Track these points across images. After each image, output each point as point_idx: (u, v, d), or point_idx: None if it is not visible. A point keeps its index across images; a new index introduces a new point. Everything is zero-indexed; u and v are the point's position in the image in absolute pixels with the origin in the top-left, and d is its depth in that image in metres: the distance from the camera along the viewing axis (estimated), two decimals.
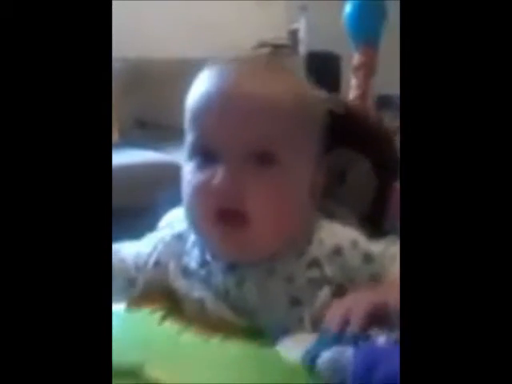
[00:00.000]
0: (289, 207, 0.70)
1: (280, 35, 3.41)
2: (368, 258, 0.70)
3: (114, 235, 0.66)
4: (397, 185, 0.79)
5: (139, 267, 0.74)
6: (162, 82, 2.91)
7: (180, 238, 0.75)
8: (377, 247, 0.72)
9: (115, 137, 2.55)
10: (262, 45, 3.31)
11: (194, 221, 0.71)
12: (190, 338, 0.63)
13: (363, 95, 1.98)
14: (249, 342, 0.63)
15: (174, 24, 3.17)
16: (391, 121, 2.95)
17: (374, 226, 0.77)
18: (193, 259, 0.72)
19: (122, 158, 2.30)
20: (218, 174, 0.67)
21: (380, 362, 0.56)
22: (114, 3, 0.60)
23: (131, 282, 0.73)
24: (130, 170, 2.35)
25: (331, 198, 0.77)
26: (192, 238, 0.74)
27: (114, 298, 0.58)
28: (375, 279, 0.70)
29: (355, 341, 0.59)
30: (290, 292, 0.69)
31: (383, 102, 3.14)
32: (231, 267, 0.70)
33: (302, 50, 3.40)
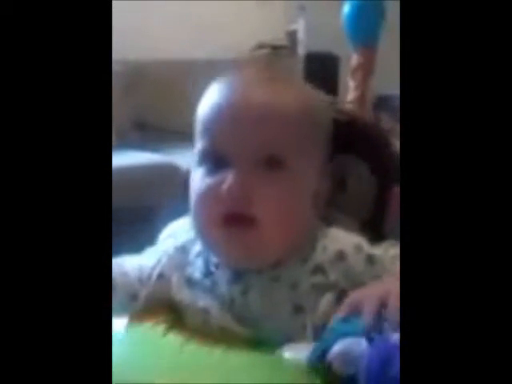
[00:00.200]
0: (296, 211, 0.71)
1: (278, 36, 3.41)
2: (371, 260, 0.71)
3: (113, 236, 0.66)
4: (396, 190, 0.80)
5: (142, 281, 0.75)
6: (161, 84, 2.91)
7: (183, 249, 0.75)
8: (378, 250, 0.72)
9: (113, 138, 2.54)
10: (261, 46, 3.31)
11: (202, 225, 0.72)
12: (193, 349, 0.63)
13: (361, 96, 1.98)
14: (252, 351, 0.63)
15: (173, 26, 3.17)
16: (389, 121, 2.96)
17: (374, 232, 0.77)
18: (197, 270, 0.73)
19: (120, 159, 2.30)
20: (228, 178, 0.68)
21: (395, 359, 0.55)
22: (113, 4, 0.60)
23: (134, 297, 0.74)
24: (129, 171, 2.35)
25: (332, 204, 0.78)
26: (195, 248, 0.74)
27: (116, 312, 0.59)
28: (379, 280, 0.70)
29: (367, 334, 0.59)
30: (294, 299, 0.69)
31: (382, 102, 3.15)
32: (236, 276, 0.71)
33: (301, 50, 3.40)
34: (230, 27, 3.26)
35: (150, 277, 0.74)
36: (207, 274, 0.72)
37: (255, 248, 0.69)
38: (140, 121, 2.92)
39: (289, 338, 0.65)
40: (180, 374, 0.61)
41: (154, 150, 2.61)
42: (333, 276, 0.70)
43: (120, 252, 0.76)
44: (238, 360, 0.62)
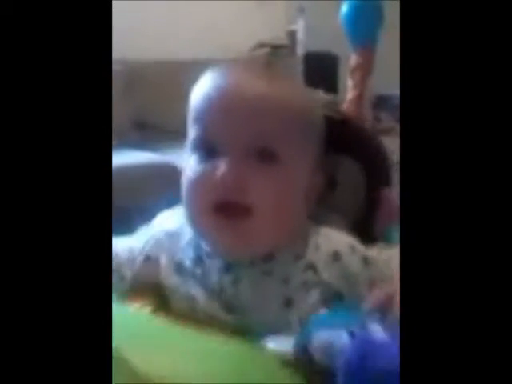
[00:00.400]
0: (288, 204, 0.71)
1: (278, 36, 3.41)
2: (366, 261, 0.71)
3: (113, 236, 0.66)
4: (386, 191, 0.80)
5: (130, 262, 0.75)
6: (161, 84, 2.92)
7: (174, 235, 0.75)
8: (371, 252, 0.73)
9: (112, 138, 2.54)
10: (261, 45, 3.31)
11: (194, 213, 0.71)
12: (176, 330, 0.63)
13: (359, 95, 1.98)
14: (236, 339, 0.63)
15: (173, 26, 3.17)
16: (389, 121, 2.96)
17: (363, 232, 0.78)
18: (187, 257, 0.73)
19: (119, 159, 2.30)
20: (221, 166, 0.67)
21: (376, 352, 0.55)
22: (112, 5, 0.60)
23: (122, 278, 0.74)
24: (128, 170, 2.35)
25: (322, 203, 0.78)
26: (187, 236, 0.74)
27: None
28: (374, 283, 0.71)
29: (348, 325, 0.59)
30: (285, 293, 0.69)
31: (381, 102, 3.15)
32: (227, 266, 0.71)
33: (300, 50, 3.40)
34: (230, 27, 3.26)
35: (136, 258, 0.74)
36: (198, 262, 0.72)
37: (248, 237, 0.69)
38: (140, 120, 2.92)
39: (275, 331, 0.65)
40: (152, 346, 0.61)
41: (154, 149, 2.61)
42: (325, 275, 0.70)
43: None
44: (219, 346, 0.61)
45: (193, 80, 0.75)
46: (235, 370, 0.58)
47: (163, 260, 0.73)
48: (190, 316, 0.68)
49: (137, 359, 0.58)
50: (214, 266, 0.71)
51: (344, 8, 2.06)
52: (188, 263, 0.72)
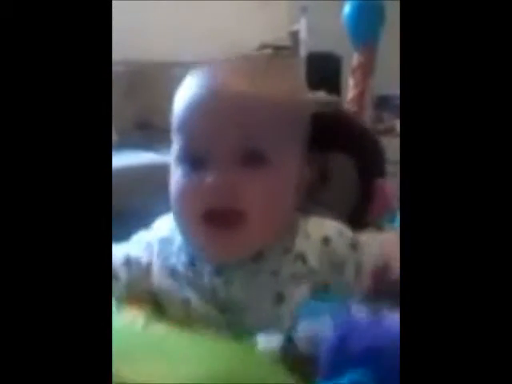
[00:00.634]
0: (280, 205, 0.71)
1: (281, 37, 3.40)
2: (354, 245, 0.71)
3: (113, 236, 0.66)
4: (379, 182, 0.80)
5: (125, 266, 0.75)
6: (163, 85, 2.91)
7: (165, 241, 0.75)
8: (361, 237, 0.73)
9: (115, 138, 2.55)
10: (264, 46, 3.30)
11: (185, 224, 0.71)
12: (171, 339, 0.64)
13: (361, 95, 1.98)
14: (228, 338, 0.64)
15: (175, 27, 3.16)
16: (391, 121, 2.95)
17: (357, 224, 0.78)
18: (179, 262, 0.73)
19: (122, 159, 2.30)
20: (209, 175, 0.67)
21: (355, 333, 0.55)
22: (114, 5, 0.61)
23: (115, 276, 0.74)
24: (131, 171, 2.34)
25: (315, 199, 0.78)
26: (178, 241, 0.74)
27: None
28: (361, 267, 0.71)
29: (333, 313, 0.59)
30: (275, 287, 0.69)
31: (383, 102, 3.14)
32: (218, 269, 0.71)
33: (303, 51, 3.39)
34: (233, 28, 3.25)
35: (130, 263, 0.74)
36: (190, 266, 0.72)
37: (241, 243, 0.69)
38: (142, 121, 2.91)
39: (268, 328, 0.65)
40: (143, 354, 0.62)
41: (156, 150, 2.61)
42: (313, 262, 0.70)
43: None
44: (212, 350, 0.62)
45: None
46: (228, 373, 0.58)
47: (156, 266, 0.74)
48: (185, 320, 0.68)
49: (128, 369, 0.58)
50: (205, 269, 0.71)
51: (346, 8, 2.06)
52: (180, 267, 0.72)
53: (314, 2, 3.26)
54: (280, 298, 0.69)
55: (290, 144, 0.71)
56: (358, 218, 0.81)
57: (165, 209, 0.80)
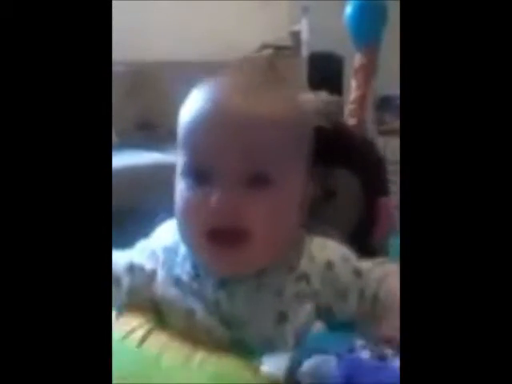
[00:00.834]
0: (284, 224, 0.70)
1: (282, 37, 3.41)
2: (358, 272, 0.71)
3: (114, 237, 0.66)
4: (384, 200, 0.80)
5: (127, 272, 0.74)
6: (164, 85, 2.92)
7: (169, 250, 0.75)
8: (365, 264, 0.73)
9: (116, 139, 2.55)
10: (265, 46, 3.31)
11: (188, 239, 0.71)
12: (169, 359, 0.63)
13: (363, 96, 1.98)
14: (232, 357, 0.63)
15: (176, 27, 3.17)
16: (391, 121, 2.95)
17: (362, 243, 0.78)
18: (184, 272, 0.73)
19: (123, 159, 2.30)
20: (213, 194, 0.67)
21: (362, 374, 0.55)
22: (114, 6, 0.60)
23: (117, 281, 0.73)
24: (132, 171, 2.35)
25: (319, 215, 0.78)
26: (182, 251, 0.74)
27: None
28: (363, 294, 0.71)
29: (337, 348, 0.59)
30: (278, 306, 0.69)
31: (385, 103, 3.14)
32: (222, 281, 0.71)
33: (305, 51, 3.39)
34: (234, 28, 3.26)
35: (133, 269, 0.74)
36: (194, 277, 0.72)
37: (245, 262, 0.69)
38: (143, 121, 2.92)
39: (271, 346, 0.66)
40: (154, 377, 0.61)
41: (158, 149, 2.61)
42: (317, 285, 0.70)
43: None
44: (211, 374, 0.62)
45: (196, 81, 0.74)
46: None
47: (160, 274, 0.73)
48: (188, 332, 0.68)
49: None
50: (209, 280, 0.71)
51: (348, 8, 2.06)
52: (185, 277, 0.72)
53: (315, 2, 3.26)
54: (283, 317, 0.69)
55: (294, 161, 0.71)
56: (362, 234, 0.80)
57: (165, 208, 0.80)
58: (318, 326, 0.69)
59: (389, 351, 0.56)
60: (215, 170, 0.68)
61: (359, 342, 0.60)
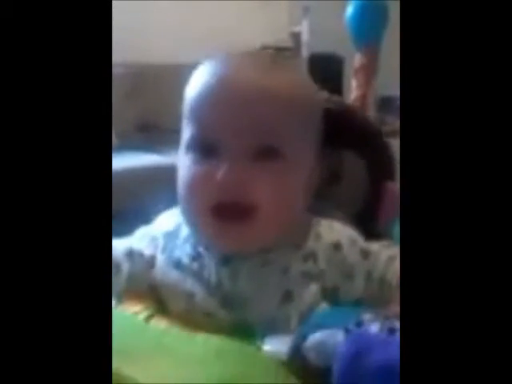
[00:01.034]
0: (291, 199, 0.70)
1: (282, 37, 3.41)
2: (365, 254, 0.71)
3: (114, 238, 0.66)
4: (389, 185, 0.80)
5: (126, 257, 0.73)
6: (164, 86, 2.92)
7: (170, 235, 0.74)
8: (372, 246, 0.72)
9: (116, 140, 2.55)
10: (265, 47, 3.31)
11: (193, 215, 0.70)
12: (173, 335, 0.63)
13: (364, 96, 1.98)
14: (233, 339, 0.62)
15: (176, 28, 3.17)
16: (393, 122, 2.95)
17: (367, 226, 0.77)
18: (185, 254, 0.72)
19: (123, 161, 2.31)
20: (221, 167, 0.66)
21: (371, 349, 0.54)
22: (114, 7, 0.60)
23: (117, 267, 0.72)
24: (132, 173, 2.35)
25: (325, 198, 0.77)
26: (184, 233, 0.73)
27: None
28: (371, 276, 0.70)
29: (344, 323, 0.58)
30: (284, 284, 0.68)
31: (385, 103, 3.14)
32: (225, 259, 0.70)
33: (305, 52, 3.40)
34: (234, 29, 3.26)
35: (135, 255, 0.73)
36: (195, 257, 0.71)
37: (251, 236, 0.68)
38: (143, 123, 2.92)
39: (274, 326, 0.65)
40: (154, 358, 0.60)
41: (158, 151, 2.62)
42: (323, 265, 0.69)
43: None
44: (213, 349, 0.61)
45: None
46: (232, 375, 0.57)
47: (160, 259, 0.73)
48: (188, 316, 0.67)
49: (132, 369, 0.57)
50: (211, 259, 0.70)
51: (349, 9, 2.06)
52: (185, 259, 0.71)
53: (315, 3, 3.27)
54: (288, 296, 0.68)
55: (304, 139, 0.70)
56: (367, 218, 0.80)
57: (165, 209, 0.80)
58: (324, 308, 0.68)
59: (398, 324, 0.55)
60: (222, 144, 0.67)
61: (367, 316, 0.58)
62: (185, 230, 0.73)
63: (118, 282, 0.71)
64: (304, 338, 0.58)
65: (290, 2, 3.46)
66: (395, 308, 0.61)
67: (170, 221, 0.76)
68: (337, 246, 0.71)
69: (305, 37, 3.39)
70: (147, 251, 0.74)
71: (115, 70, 0.65)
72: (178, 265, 0.72)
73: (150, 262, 0.73)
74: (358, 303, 0.70)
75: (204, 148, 0.68)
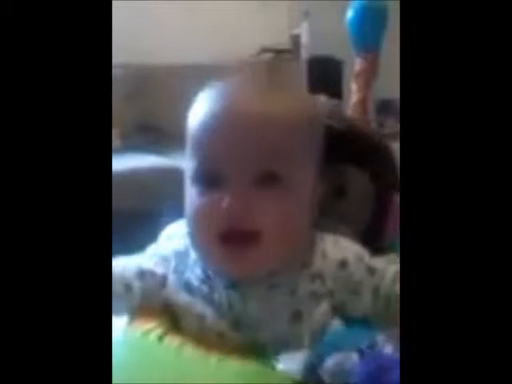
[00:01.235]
0: (296, 223, 0.70)
1: (282, 40, 3.41)
2: (372, 270, 0.71)
3: (116, 239, 0.66)
4: (395, 198, 0.80)
5: (138, 276, 0.74)
6: (165, 88, 2.92)
7: (180, 254, 0.75)
8: (379, 262, 0.72)
9: (117, 142, 2.55)
10: (264, 50, 3.31)
11: (199, 244, 0.71)
12: (187, 357, 0.63)
13: (363, 100, 1.98)
14: (247, 360, 0.63)
15: (176, 30, 3.17)
16: (393, 125, 2.95)
17: (372, 241, 0.77)
18: (195, 276, 0.72)
19: (124, 162, 2.31)
20: (225, 196, 0.67)
21: (385, 371, 0.55)
22: (114, 8, 0.60)
23: (128, 287, 0.73)
24: (133, 174, 2.35)
25: (330, 214, 0.77)
26: (193, 254, 0.74)
27: (112, 303, 0.58)
28: (377, 292, 0.70)
29: (359, 348, 0.59)
30: (293, 305, 0.69)
31: (385, 106, 3.15)
32: (234, 283, 0.70)
33: (304, 54, 3.40)
34: (234, 31, 3.26)
35: (144, 274, 0.74)
36: (205, 280, 0.72)
37: (257, 263, 0.68)
38: (144, 124, 2.92)
39: (286, 346, 0.65)
40: (174, 380, 0.61)
41: (159, 152, 2.62)
42: (330, 284, 0.70)
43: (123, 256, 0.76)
44: (230, 371, 0.61)
45: (197, 84, 0.74)
46: None
47: (171, 279, 0.73)
48: (201, 336, 0.68)
49: None
50: (220, 283, 0.71)
51: (349, 13, 2.06)
52: (195, 282, 0.72)
53: (316, 6, 3.27)
54: (298, 316, 0.68)
55: (305, 161, 0.71)
56: (373, 231, 0.80)
57: (166, 210, 0.80)
58: (336, 324, 0.68)
59: None
60: (225, 173, 0.68)
61: (380, 337, 0.59)
62: (194, 253, 0.74)
63: (130, 301, 0.72)
64: (319, 358, 0.59)
65: (290, 5, 3.46)
66: None
67: (179, 236, 0.76)
68: (343, 264, 0.71)
69: (304, 39, 3.40)
70: (159, 270, 0.74)
71: (116, 72, 0.65)
72: (188, 287, 0.72)
73: (162, 281, 0.74)
74: (366, 319, 0.70)
75: (207, 179, 0.69)
